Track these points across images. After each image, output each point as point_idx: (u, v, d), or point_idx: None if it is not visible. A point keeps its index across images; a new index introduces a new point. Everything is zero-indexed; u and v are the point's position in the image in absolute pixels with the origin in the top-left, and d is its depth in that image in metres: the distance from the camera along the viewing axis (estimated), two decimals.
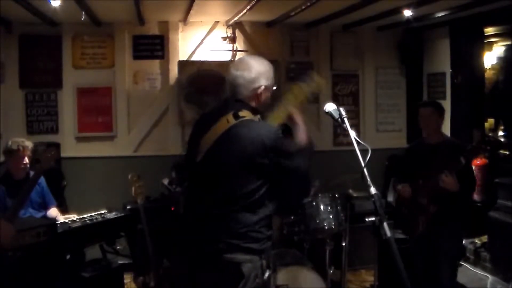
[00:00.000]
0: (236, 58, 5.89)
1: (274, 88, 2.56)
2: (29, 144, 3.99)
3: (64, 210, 4.53)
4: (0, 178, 4.04)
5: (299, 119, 2.55)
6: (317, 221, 4.01)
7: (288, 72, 6.10)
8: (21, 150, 3.91)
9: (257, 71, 2.48)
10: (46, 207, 4.18)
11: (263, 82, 2.48)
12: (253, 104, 2.50)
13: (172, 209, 4.77)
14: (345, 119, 2.26)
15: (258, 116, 2.51)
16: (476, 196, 5.21)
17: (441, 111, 3.92)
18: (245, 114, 2.46)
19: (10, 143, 3.95)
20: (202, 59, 5.84)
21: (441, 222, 3.67)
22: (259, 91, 2.48)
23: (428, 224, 3.69)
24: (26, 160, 3.96)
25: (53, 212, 4.18)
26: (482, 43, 5.66)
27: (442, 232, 3.70)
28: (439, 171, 3.55)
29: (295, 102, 2.58)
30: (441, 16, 4.98)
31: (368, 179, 2.02)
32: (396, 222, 3.90)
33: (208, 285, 2.44)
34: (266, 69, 2.51)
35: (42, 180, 4.08)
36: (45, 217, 4.08)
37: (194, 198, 2.56)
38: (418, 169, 3.80)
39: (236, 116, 2.44)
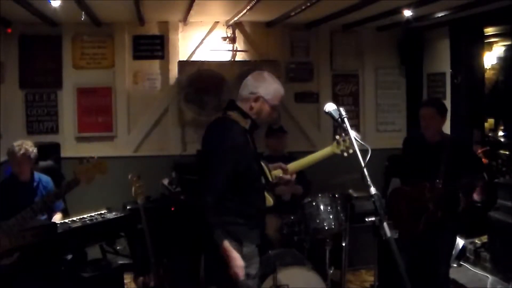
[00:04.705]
0: (236, 58, 5.92)
1: (260, 98, 2.76)
2: (30, 148, 3.92)
3: (64, 211, 4.52)
4: (6, 178, 4.05)
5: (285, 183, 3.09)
6: (317, 221, 4.01)
7: (288, 72, 6.10)
8: (19, 154, 3.84)
9: (262, 82, 2.75)
10: (51, 210, 4.16)
11: (261, 92, 2.74)
12: (245, 106, 2.75)
13: (172, 209, 4.77)
14: (345, 119, 2.26)
15: (248, 120, 2.76)
16: (476, 196, 5.20)
17: (443, 111, 3.83)
18: (232, 114, 2.76)
19: (11, 145, 3.92)
20: (202, 59, 5.84)
21: (441, 224, 3.67)
22: (254, 97, 2.73)
23: (429, 226, 3.68)
24: (25, 165, 3.90)
25: (57, 217, 4.17)
26: (482, 43, 5.66)
27: (440, 234, 3.71)
28: (446, 175, 3.56)
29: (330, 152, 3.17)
30: (441, 16, 4.98)
31: (368, 179, 2.02)
32: (394, 223, 3.88)
33: None
34: (272, 86, 2.77)
35: (49, 183, 4.08)
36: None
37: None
38: (422, 170, 3.77)
39: (224, 113, 2.79)
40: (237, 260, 2.60)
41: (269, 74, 2.85)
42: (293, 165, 3.22)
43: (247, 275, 2.67)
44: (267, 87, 2.75)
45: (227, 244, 2.59)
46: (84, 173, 3.29)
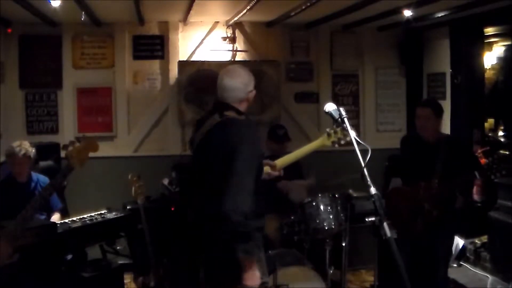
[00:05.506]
0: (236, 58, 5.92)
1: (254, 92, 2.85)
2: (29, 148, 3.94)
3: (64, 210, 4.53)
4: (4, 179, 4.04)
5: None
6: (317, 221, 4.01)
7: (288, 72, 6.11)
8: (20, 155, 3.87)
9: (245, 78, 2.79)
10: (49, 209, 4.16)
11: (251, 87, 2.80)
12: (242, 106, 2.77)
13: (172, 209, 4.77)
14: (345, 119, 2.26)
15: (243, 117, 2.76)
16: (476, 196, 5.21)
17: (439, 112, 3.82)
18: (230, 114, 2.73)
19: (10, 146, 3.92)
20: (202, 59, 5.84)
21: (439, 224, 3.67)
22: (250, 94, 2.79)
23: (426, 226, 3.68)
24: (25, 165, 3.93)
25: (55, 217, 4.17)
26: (482, 43, 5.66)
27: (438, 233, 3.71)
28: (441, 174, 3.55)
29: (322, 144, 3.06)
30: (441, 16, 4.98)
31: (368, 179, 2.02)
32: (393, 223, 3.86)
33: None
34: (248, 75, 2.83)
35: (46, 182, 4.07)
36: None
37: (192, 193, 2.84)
38: (418, 170, 3.77)
39: (221, 115, 2.72)
40: (257, 273, 2.49)
41: (236, 65, 2.92)
42: (281, 161, 3.13)
43: (264, 283, 2.61)
44: (249, 79, 2.80)
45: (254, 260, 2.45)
46: (76, 156, 3.09)
